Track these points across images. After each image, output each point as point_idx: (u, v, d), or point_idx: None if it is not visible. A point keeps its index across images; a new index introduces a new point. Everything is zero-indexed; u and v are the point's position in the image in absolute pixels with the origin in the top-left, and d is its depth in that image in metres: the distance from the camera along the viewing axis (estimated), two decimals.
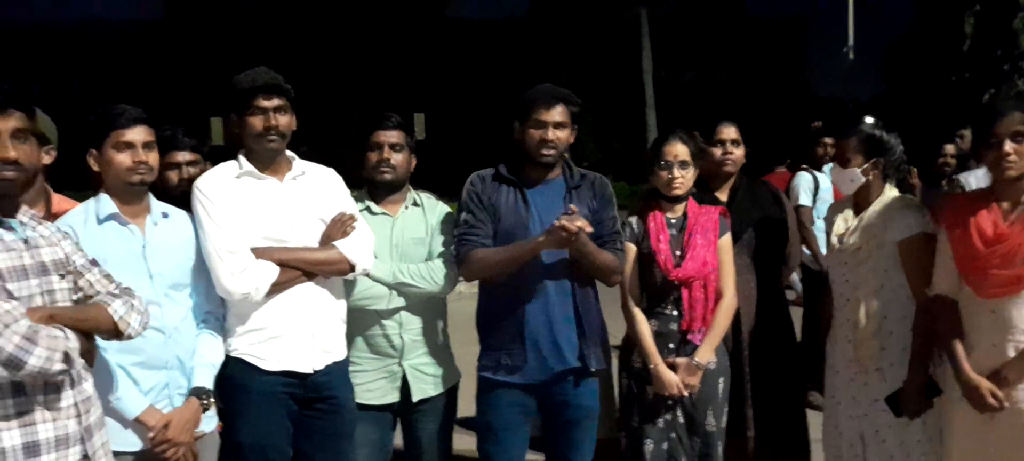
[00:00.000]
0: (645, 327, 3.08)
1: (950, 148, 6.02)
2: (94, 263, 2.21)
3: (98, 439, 2.12)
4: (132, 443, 2.42)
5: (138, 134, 2.47)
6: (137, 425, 2.42)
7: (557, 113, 2.91)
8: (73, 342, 1.96)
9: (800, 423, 3.50)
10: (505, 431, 2.99)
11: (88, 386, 2.12)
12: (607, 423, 3.35)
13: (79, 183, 2.69)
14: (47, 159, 2.59)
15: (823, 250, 5.05)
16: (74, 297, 2.12)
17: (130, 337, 2.15)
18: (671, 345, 3.08)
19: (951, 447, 2.83)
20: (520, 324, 2.91)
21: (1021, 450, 2.62)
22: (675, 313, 3.08)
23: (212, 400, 2.58)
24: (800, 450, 3.50)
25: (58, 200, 2.74)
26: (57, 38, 33.10)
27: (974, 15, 17.97)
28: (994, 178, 2.70)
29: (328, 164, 2.98)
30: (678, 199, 3.13)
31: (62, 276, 2.09)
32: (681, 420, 3.11)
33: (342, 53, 32.27)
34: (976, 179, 4.06)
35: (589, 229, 2.74)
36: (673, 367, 3.05)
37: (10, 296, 1.91)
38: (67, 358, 1.93)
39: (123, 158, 2.45)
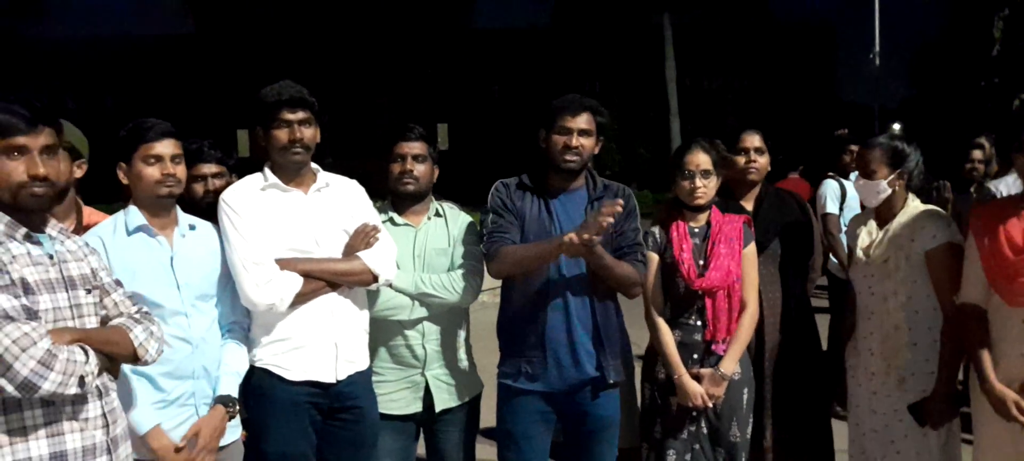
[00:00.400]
0: (668, 337, 3.07)
1: (978, 154, 5.93)
2: (118, 284, 2.24)
3: (123, 451, 2.15)
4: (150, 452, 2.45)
5: (166, 147, 2.51)
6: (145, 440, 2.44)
7: (583, 120, 2.92)
8: (91, 365, 1.99)
9: (825, 433, 3.46)
10: (525, 439, 2.99)
11: (114, 398, 2.15)
12: (628, 433, 3.34)
13: (111, 196, 2.74)
14: (78, 172, 2.64)
15: None
16: (99, 313, 2.15)
17: (146, 363, 2.19)
18: (695, 355, 3.06)
19: (982, 458, 2.79)
20: (541, 332, 2.91)
21: None
22: (699, 323, 3.06)
23: (237, 408, 2.61)
24: (825, 458, 3.46)
25: (89, 213, 2.79)
26: (91, 54, 33.73)
27: (1003, 20, 17.71)
28: None
29: (352, 175, 3.01)
30: (701, 208, 3.12)
31: (89, 291, 2.12)
32: (705, 431, 3.09)
33: (367, 64, 32.53)
34: (1007, 186, 3.99)
35: (619, 208, 2.69)
36: (697, 377, 3.03)
37: (31, 315, 1.93)
38: (82, 382, 1.96)
39: (152, 171, 2.50)
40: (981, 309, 2.74)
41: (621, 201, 2.74)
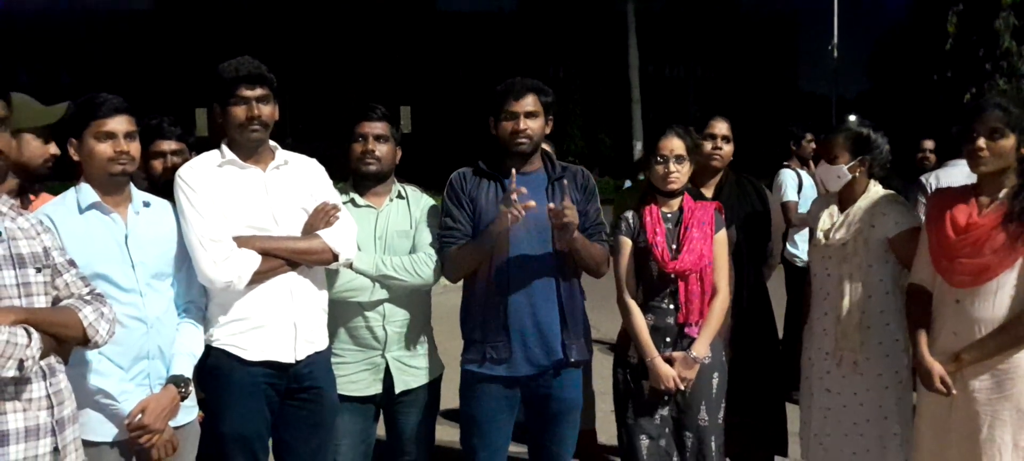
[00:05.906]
0: (641, 321, 3.07)
1: (928, 143, 6.07)
2: (72, 264, 2.18)
3: (70, 433, 2.09)
4: (109, 433, 2.40)
5: (120, 124, 2.44)
6: (115, 415, 2.39)
7: (528, 103, 2.93)
8: (33, 349, 1.92)
9: (780, 416, 3.53)
10: (489, 424, 3.00)
11: (62, 379, 2.09)
12: (586, 415, 3.36)
13: (64, 175, 2.66)
14: None
15: (803, 245, 5.09)
16: (50, 293, 2.09)
17: (97, 345, 2.13)
18: (668, 339, 3.06)
19: (918, 432, 2.92)
20: (505, 317, 2.91)
21: (975, 435, 2.70)
22: (672, 307, 3.05)
23: (191, 389, 2.56)
24: (778, 442, 3.53)
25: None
26: (46, 28, 32.80)
27: (957, 14, 18.05)
28: (973, 171, 2.76)
29: (315, 156, 2.97)
30: (674, 193, 3.12)
31: (39, 270, 2.06)
32: (676, 414, 3.11)
33: (330, 46, 32.12)
34: (936, 179, 4.16)
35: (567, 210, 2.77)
36: (669, 361, 3.03)
37: None
38: (21, 365, 1.90)
39: (104, 148, 2.42)
40: (926, 290, 2.85)
41: (569, 206, 2.80)
